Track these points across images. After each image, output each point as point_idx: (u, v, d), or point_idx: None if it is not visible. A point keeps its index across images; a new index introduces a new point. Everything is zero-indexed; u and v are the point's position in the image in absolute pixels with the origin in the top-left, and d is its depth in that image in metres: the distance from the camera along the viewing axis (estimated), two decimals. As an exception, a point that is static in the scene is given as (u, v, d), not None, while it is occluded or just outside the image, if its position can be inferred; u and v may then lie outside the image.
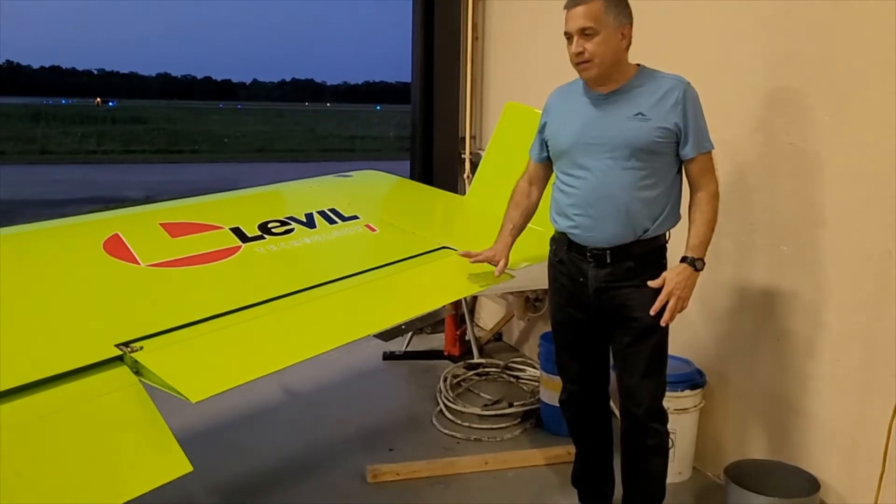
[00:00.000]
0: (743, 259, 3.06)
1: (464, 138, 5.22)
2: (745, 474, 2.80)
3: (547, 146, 2.59)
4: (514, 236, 2.67)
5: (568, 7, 2.35)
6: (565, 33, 2.37)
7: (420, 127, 5.20)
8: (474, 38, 5.15)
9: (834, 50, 2.60)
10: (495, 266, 2.62)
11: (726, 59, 3.06)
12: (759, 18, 2.89)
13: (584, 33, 2.30)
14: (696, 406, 3.16)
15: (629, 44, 2.38)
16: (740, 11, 2.99)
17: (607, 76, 2.37)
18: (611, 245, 2.42)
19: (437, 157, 5.19)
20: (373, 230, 3.02)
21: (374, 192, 3.70)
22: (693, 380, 3.16)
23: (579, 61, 2.35)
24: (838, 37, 2.59)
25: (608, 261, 2.44)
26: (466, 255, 2.66)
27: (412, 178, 5.23)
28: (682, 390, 3.12)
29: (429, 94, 5.14)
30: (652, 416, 2.54)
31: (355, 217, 3.06)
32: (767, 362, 2.98)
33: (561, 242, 2.57)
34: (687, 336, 3.30)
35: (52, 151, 23.37)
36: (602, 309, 2.51)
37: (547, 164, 2.65)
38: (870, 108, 2.49)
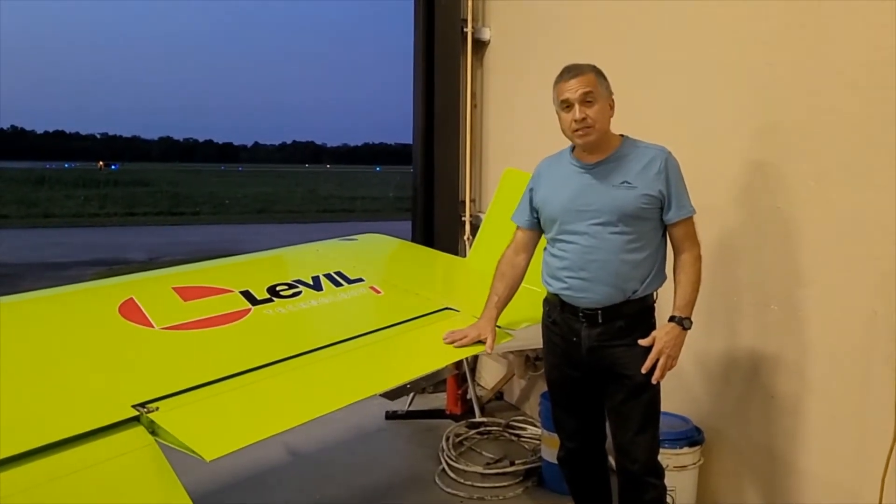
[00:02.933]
0: (734, 319, 3.15)
1: (463, 201, 5.35)
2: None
3: (536, 212, 2.68)
4: (500, 309, 2.74)
5: (565, 78, 2.47)
6: (563, 102, 2.47)
7: (421, 190, 5.34)
8: (473, 106, 5.33)
9: (814, 120, 2.73)
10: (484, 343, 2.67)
11: (712, 131, 3.20)
12: (742, 93, 3.04)
13: (586, 100, 2.43)
14: (694, 463, 3.20)
15: (613, 115, 2.52)
16: (725, 87, 3.14)
17: (598, 144, 2.50)
18: (602, 305, 2.50)
19: (437, 220, 5.32)
20: (377, 292, 3.12)
21: (377, 254, 3.82)
22: (691, 437, 3.20)
23: (581, 127, 2.44)
24: (818, 107, 2.72)
25: (600, 320, 2.52)
26: (452, 340, 2.68)
27: (413, 239, 5.34)
28: (681, 447, 3.16)
29: (429, 158, 5.30)
30: (648, 472, 2.58)
31: (360, 279, 3.17)
32: (762, 419, 3.04)
33: (554, 304, 2.65)
34: (684, 394, 3.37)
35: (55, 215, 23.60)
36: (595, 367, 2.57)
37: (534, 230, 2.73)
38: (851, 172, 2.61)
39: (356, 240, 3.86)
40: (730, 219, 3.12)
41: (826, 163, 2.70)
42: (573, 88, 2.44)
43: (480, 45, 5.28)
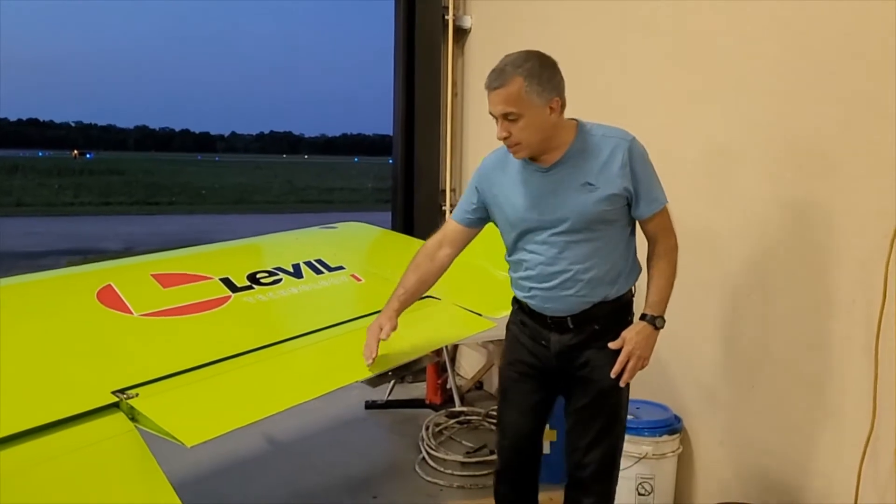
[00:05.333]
0: (714, 308, 3.16)
1: (444, 190, 5.35)
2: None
3: (484, 210, 2.41)
4: (403, 305, 2.41)
5: (487, 88, 2.17)
6: (490, 113, 2.21)
7: (401, 179, 5.33)
8: (454, 95, 5.32)
9: (794, 112, 2.75)
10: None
11: (694, 120, 3.22)
12: (724, 84, 3.05)
13: (508, 118, 2.14)
14: (674, 451, 3.22)
15: (562, 110, 2.21)
16: (707, 76, 3.16)
17: (542, 150, 2.23)
18: (571, 313, 2.29)
19: (417, 209, 5.31)
20: (358, 280, 3.10)
21: (358, 243, 3.80)
22: (671, 425, 3.22)
23: (506, 144, 2.22)
24: (799, 99, 2.73)
25: (570, 326, 2.31)
26: (369, 355, 2.29)
27: (393, 229, 5.32)
28: (661, 435, 3.18)
29: (410, 147, 5.28)
30: (596, 479, 2.39)
31: (341, 267, 3.15)
32: (741, 408, 3.06)
33: (523, 306, 2.42)
34: (663, 382, 3.39)
35: (28, 203, 23.29)
36: (563, 371, 2.38)
37: (471, 228, 2.46)
38: (829, 163, 2.63)
39: (336, 228, 3.84)
40: (710, 209, 3.13)
41: (805, 154, 2.72)
42: (493, 103, 2.16)
43: (461, 34, 5.27)
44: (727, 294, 3.12)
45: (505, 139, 2.19)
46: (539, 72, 2.14)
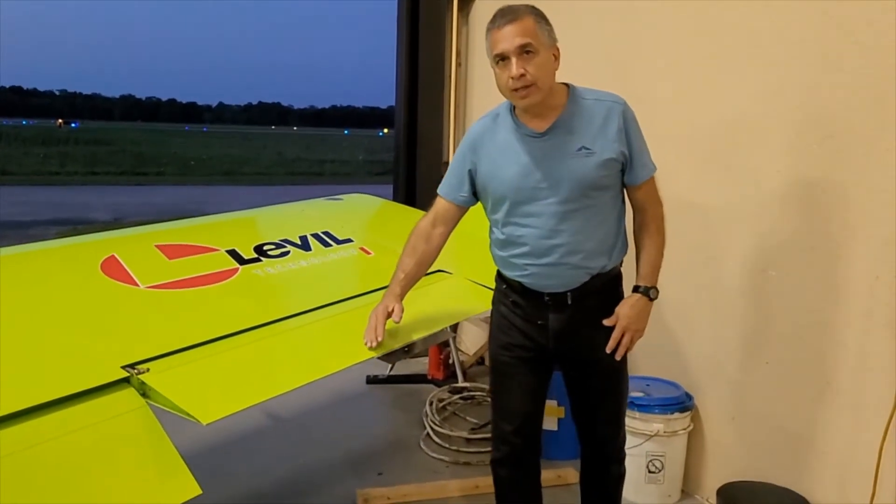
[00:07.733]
0: (729, 284, 3.10)
1: (447, 162, 5.26)
2: (738, 496, 2.83)
3: (473, 186, 2.30)
4: (405, 288, 2.33)
5: (498, 25, 2.05)
6: (497, 55, 2.06)
7: (404, 150, 5.24)
8: (458, 65, 5.23)
9: (819, 82, 2.68)
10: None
11: (715, 91, 3.12)
12: (747, 54, 2.98)
13: (525, 51, 2.02)
14: (684, 429, 3.20)
15: (558, 66, 2.14)
16: (729, 48, 3.07)
17: (545, 104, 2.12)
18: (570, 288, 2.21)
19: (420, 181, 5.23)
20: (368, 253, 3.03)
21: (365, 215, 3.72)
22: (682, 403, 3.19)
23: (520, 86, 2.04)
24: (824, 69, 2.66)
25: (569, 302, 2.22)
26: (371, 340, 2.23)
27: (395, 200, 5.25)
28: (672, 413, 3.15)
29: (413, 118, 5.20)
30: (614, 448, 2.45)
31: (349, 240, 3.08)
32: (754, 385, 3.02)
33: (513, 285, 2.30)
34: (675, 359, 3.35)
35: (13, 172, 22.99)
36: (562, 352, 2.30)
37: (464, 206, 2.36)
38: (855, 136, 2.57)
39: (342, 199, 3.76)
40: (727, 181, 3.06)
41: (830, 126, 2.65)
42: (508, 38, 2.02)
43: (466, 2, 5.17)
44: (740, 269, 3.05)
45: (521, 77, 2.03)
46: (544, 17, 2.10)
